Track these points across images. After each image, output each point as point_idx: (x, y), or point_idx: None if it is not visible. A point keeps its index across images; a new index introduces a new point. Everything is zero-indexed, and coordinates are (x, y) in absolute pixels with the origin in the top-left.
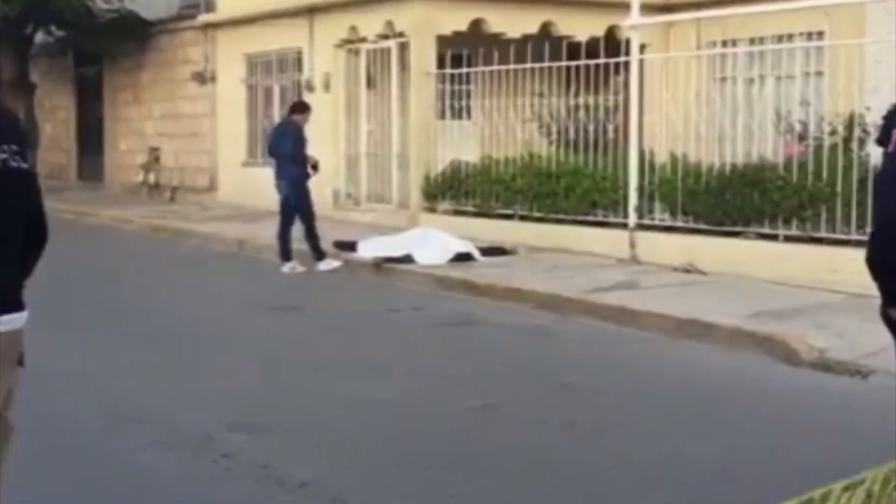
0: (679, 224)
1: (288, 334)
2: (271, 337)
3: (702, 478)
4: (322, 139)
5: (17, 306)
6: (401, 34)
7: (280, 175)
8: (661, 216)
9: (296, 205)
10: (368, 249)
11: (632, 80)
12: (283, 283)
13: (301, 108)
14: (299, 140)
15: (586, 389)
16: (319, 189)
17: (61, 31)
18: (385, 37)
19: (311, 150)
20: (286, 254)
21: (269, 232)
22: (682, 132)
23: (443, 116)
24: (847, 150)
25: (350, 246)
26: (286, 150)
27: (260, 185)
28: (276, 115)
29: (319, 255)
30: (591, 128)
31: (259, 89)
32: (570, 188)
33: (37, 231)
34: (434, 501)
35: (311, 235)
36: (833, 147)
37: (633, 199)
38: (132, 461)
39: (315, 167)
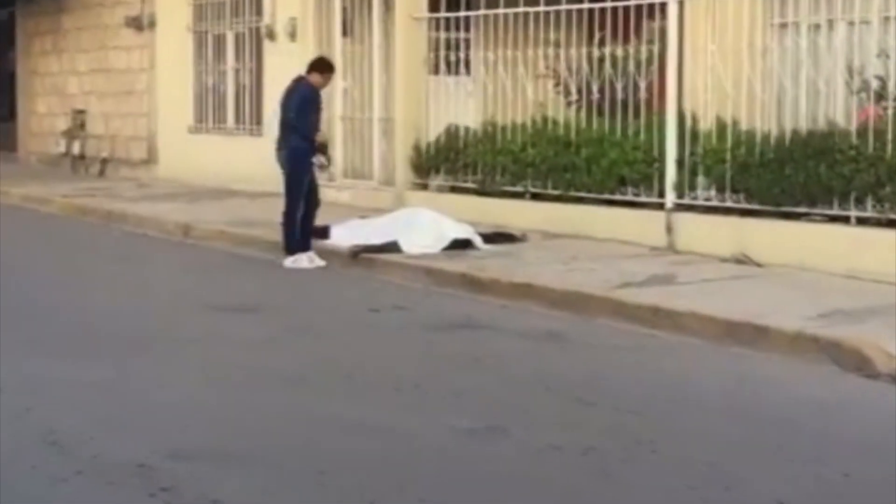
0: (728, 204)
1: (244, 340)
2: (223, 343)
3: None
4: None
5: None
6: None
7: (281, 145)
8: (705, 194)
9: (292, 183)
10: (344, 236)
11: (670, 26)
12: (239, 279)
13: (321, 66)
14: (306, 104)
15: (610, 408)
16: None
17: None
18: None
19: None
20: (290, 244)
21: (217, 215)
22: (732, 91)
23: (436, 71)
24: None
25: (321, 232)
26: (289, 115)
27: (210, 157)
28: (230, 69)
29: (291, 248)
30: (619, 85)
31: (209, 38)
32: (593, 160)
33: None
34: None
35: (288, 222)
36: None
37: (670, 173)
38: (49, 496)
39: (322, 150)
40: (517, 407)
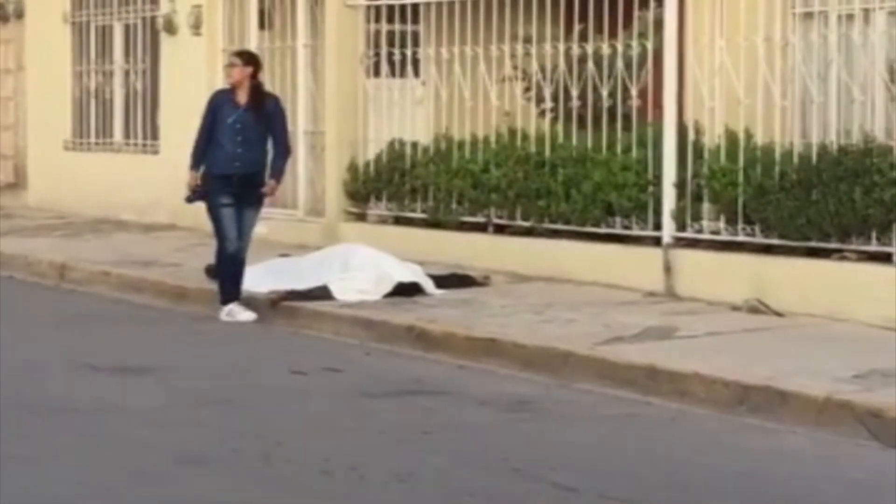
0: (740, 238)
1: (133, 410)
2: (106, 414)
3: None
4: (190, 106)
5: None
6: None
7: None
8: (712, 226)
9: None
10: (261, 279)
11: (667, 16)
12: (128, 333)
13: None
14: (204, 111)
15: (595, 495)
16: (178, 185)
17: None
18: None
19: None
20: (221, 293)
21: (101, 253)
22: (745, 97)
23: (377, 73)
24: None
25: None
26: None
27: (92, 179)
28: (118, 69)
29: (222, 297)
30: (604, 91)
31: (91, 31)
32: (572, 183)
33: None
34: None
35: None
36: None
37: (669, 199)
38: None
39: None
40: (479, 494)
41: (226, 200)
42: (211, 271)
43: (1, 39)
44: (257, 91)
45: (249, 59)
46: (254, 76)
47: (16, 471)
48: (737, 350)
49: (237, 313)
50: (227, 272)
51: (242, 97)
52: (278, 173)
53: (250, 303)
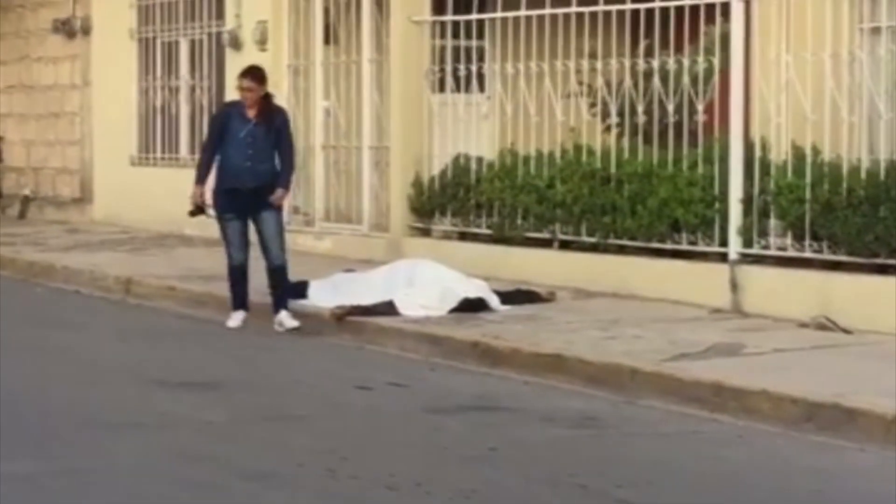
0: (807, 255)
1: (200, 426)
2: (173, 430)
3: None
4: None
5: None
6: None
7: None
8: (778, 242)
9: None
10: (325, 295)
11: (734, 31)
12: (194, 347)
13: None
14: (210, 125)
15: None
16: None
17: None
18: None
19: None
20: (234, 298)
21: (166, 268)
22: (812, 113)
23: (441, 88)
24: None
25: (297, 290)
26: None
27: (157, 194)
28: (183, 84)
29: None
30: (670, 106)
31: (157, 46)
32: (638, 199)
33: None
34: None
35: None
36: None
37: (735, 215)
38: None
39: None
40: None
41: (231, 214)
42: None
43: (68, 55)
44: (267, 104)
45: (262, 79)
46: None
47: (82, 485)
48: (804, 367)
49: (235, 319)
50: (233, 281)
51: (252, 111)
52: (286, 183)
53: (318, 317)
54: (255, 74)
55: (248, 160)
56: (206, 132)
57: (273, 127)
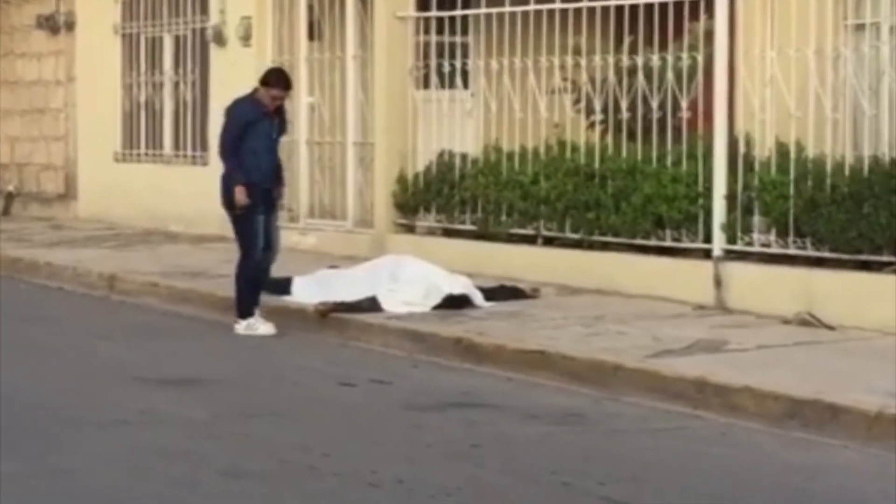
0: (791, 251)
1: (182, 422)
2: (156, 427)
3: None
4: None
5: None
6: None
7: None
8: (762, 238)
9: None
10: (309, 291)
11: (718, 28)
12: (177, 344)
13: (266, 78)
14: (228, 123)
15: None
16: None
17: None
18: None
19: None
20: (243, 305)
21: (150, 265)
22: (796, 109)
23: (426, 84)
24: None
25: (281, 286)
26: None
27: (142, 191)
28: (167, 80)
29: (242, 310)
30: (654, 102)
31: (141, 42)
32: (622, 196)
33: None
34: None
35: (239, 275)
36: None
37: (719, 212)
38: None
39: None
40: None
41: (261, 210)
42: (269, 285)
43: (52, 51)
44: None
45: (289, 83)
46: None
47: (64, 482)
48: (787, 364)
49: (257, 326)
50: (254, 282)
51: (271, 110)
52: (283, 179)
53: (301, 314)
54: (288, 83)
55: (273, 159)
56: (225, 132)
57: (278, 125)
